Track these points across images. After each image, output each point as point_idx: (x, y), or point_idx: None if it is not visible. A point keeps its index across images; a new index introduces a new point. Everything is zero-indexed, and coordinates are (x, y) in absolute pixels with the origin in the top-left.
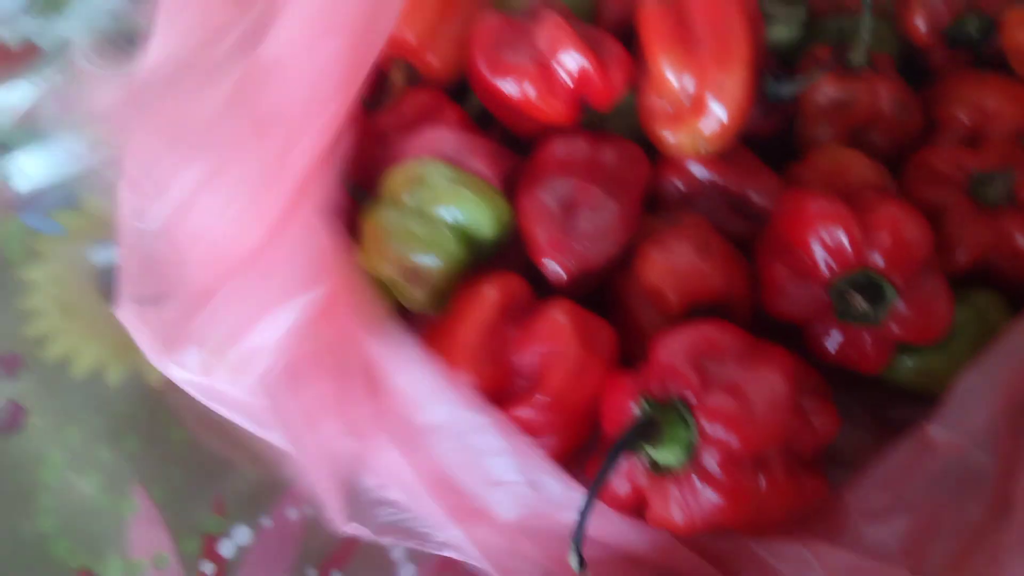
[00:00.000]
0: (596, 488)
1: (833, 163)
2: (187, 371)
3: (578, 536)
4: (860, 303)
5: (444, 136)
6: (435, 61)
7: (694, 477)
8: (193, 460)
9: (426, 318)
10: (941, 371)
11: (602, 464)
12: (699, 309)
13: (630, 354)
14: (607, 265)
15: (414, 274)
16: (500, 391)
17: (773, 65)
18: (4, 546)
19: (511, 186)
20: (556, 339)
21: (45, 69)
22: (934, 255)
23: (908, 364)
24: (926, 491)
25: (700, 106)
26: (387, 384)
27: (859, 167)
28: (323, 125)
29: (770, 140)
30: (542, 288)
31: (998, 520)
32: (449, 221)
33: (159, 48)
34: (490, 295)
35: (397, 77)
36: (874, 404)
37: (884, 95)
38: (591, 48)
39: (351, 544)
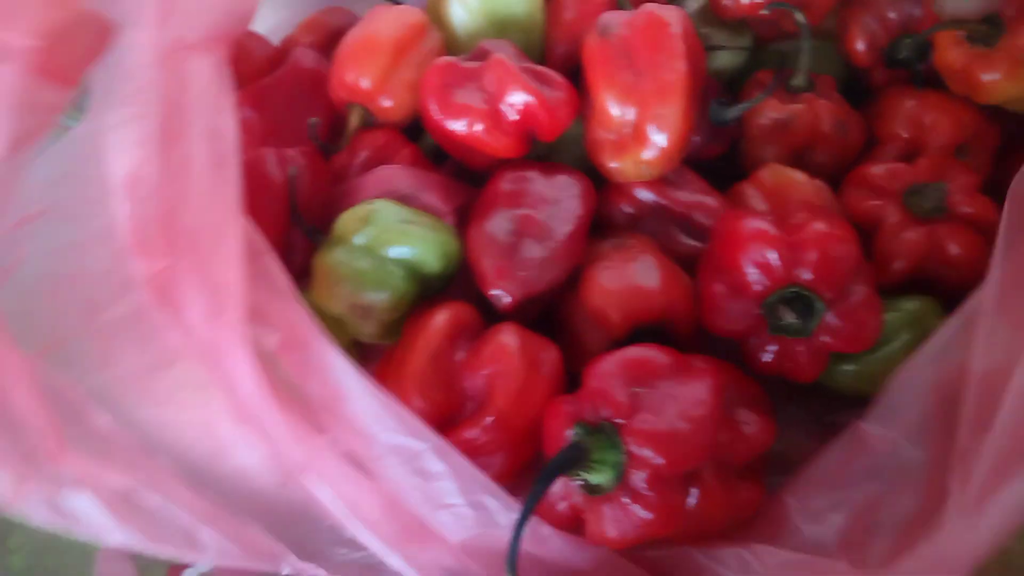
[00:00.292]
0: (527, 512)
1: (776, 181)
2: None
3: (512, 556)
4: (790, 317)
5: (398, 173)
6: (389, 104)
7: (624, 496)
8: None
9: (380, 347)
10: (880, 375)
11: (530, 494)
12: (642, 329)
13: (579, 374)
14: (552, 290)
15: (364, 310)
16: (450, 415)
17: (718, 91)
18: None
19: (465, 218)
20: (501, 361)
21: None
22: (865, 267)
23: (847, 370)
24: (861, 487)
25: (641, 135)
26: (339, 414)
27: (799, 185)
28: None
29: (718, 161)
30: (494, 314)
31: (933, 510)
32: (397, 258)
33: None
34: (438, 323)
35: (352, 120)
36: (820, 410)
37: (824, 115)
38: (536, 85)
39: None
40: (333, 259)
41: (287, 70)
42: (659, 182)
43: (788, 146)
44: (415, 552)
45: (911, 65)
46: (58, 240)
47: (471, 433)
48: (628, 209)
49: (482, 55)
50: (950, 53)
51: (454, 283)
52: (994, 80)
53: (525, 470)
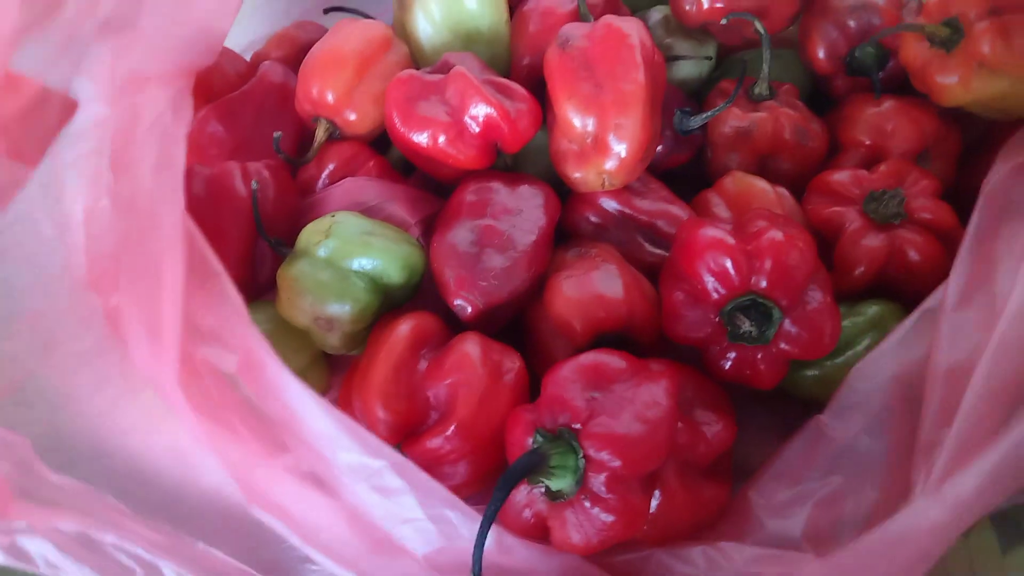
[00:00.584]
0: (489, 518)
1: (739, 189)
2: None
3: (476, 564)
4: (748, 325)
5: (364, 185)
6: (354, 117)
7: (585, 500)
8: None
9: (348, 358)
10: (840, 380)
11: (491, 501)
12: (605, 337)
13: None
14: (515, 299)
15: (327, 322)
16: (415, 424)
17: (682, 100)
18: None
19: (431, 229)
20: (463, 370)
21: None
22: (822, 274)
23: (808, 375)
24: (823, 480)
25: (602, 145)
26: (302, 433)
27: (762, 192)
28: None
29: (685, 169)
30: (461, 324)
31: (896, 501)
32: (359, 270)
33: None
34: (401, 334)
35: (319, 133)
36: (787, 414)
37: (785, 123)
38: (498, 98)
39: None
40: (296, 271)
41: (255, 84)
42: (624, 191)
43: (751, 153)
44: (382, 566)
45: (871, 73)
46: (14, 283)
47: (434, 442)
48: (594, 218)
49: (445, 68)
50: (911, 50)
51: (422, 293)
52: (949, 84)
53: (490, 478)
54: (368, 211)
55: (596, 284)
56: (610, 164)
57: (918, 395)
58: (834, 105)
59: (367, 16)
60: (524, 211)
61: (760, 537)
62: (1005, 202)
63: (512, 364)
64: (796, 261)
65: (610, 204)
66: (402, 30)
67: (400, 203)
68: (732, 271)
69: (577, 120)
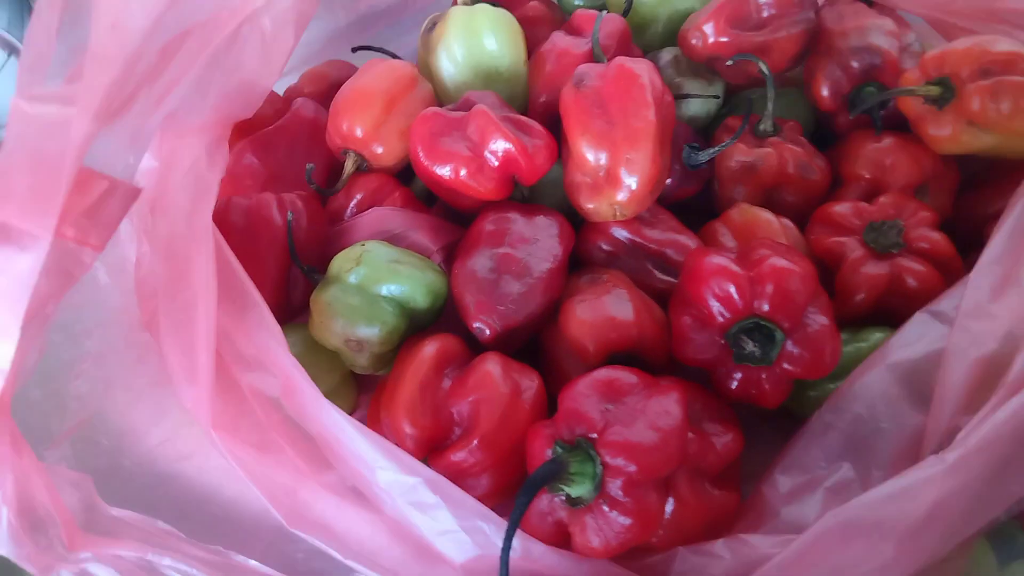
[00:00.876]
0: (514, 524)
1: (744, 219)
2: None
3: (504, 567)
4: (752, 346)
5: (390, 214)
6: (381, 151)
7: (603, 504)
8: None
9: (374, 377)
10: None
11: (515, 507)
12: (616, 357)
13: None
14: (532, 323)
15: (357, 344)
16: (439, 439)
17: (691, 136)
18: None
19: (452, 255)
20: (485, 388)
21: None
22: (823, 298)
23: (812, 396)
24: (832, 467)
25: (614, 178)
26: (342, 453)
27: (767, 223)
28: None
29: (693, 200)
30: (481, 345)
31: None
32: (387, 296)
33: None
34: (426, 354)
35: (348, 166)
36: (789, 432)
37: (789, 158)
38: (516, 134)
39: None
40: (328, 297)
41: (289, 119)
42: (634, 221)
43: (757, 186)
44: (423, 574)
45: (873, 109)
46: (75, 328)
47: (459, 456)
48: (606, 247)
49: (467, 105)
50: (907, 102)
51: (446, 316)
52: (940, 137)
53: (511, 491)
54: (393, 239)
55: (608, 307)
56: (621, 196)
57: (922, 386)
58: (837, 141)
59: (394, 55)
60: (540, 240)
61: (775, 525)
62: None
63: (531, 382)
64: (796, 285)
65: (621, 233)
66: (426, 69)
67: (423, 231)
68: (736, 296)
69: (591, 155)
